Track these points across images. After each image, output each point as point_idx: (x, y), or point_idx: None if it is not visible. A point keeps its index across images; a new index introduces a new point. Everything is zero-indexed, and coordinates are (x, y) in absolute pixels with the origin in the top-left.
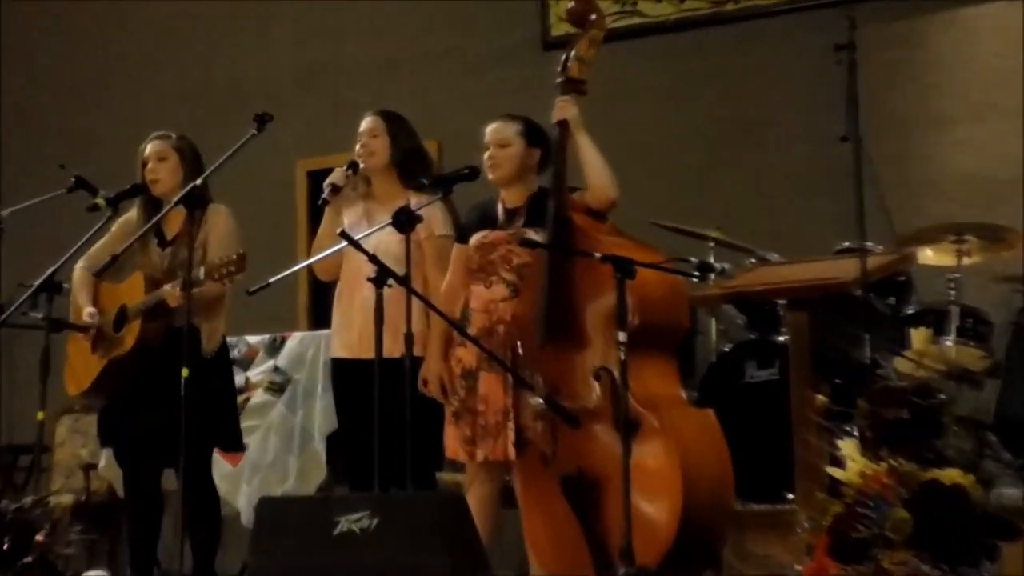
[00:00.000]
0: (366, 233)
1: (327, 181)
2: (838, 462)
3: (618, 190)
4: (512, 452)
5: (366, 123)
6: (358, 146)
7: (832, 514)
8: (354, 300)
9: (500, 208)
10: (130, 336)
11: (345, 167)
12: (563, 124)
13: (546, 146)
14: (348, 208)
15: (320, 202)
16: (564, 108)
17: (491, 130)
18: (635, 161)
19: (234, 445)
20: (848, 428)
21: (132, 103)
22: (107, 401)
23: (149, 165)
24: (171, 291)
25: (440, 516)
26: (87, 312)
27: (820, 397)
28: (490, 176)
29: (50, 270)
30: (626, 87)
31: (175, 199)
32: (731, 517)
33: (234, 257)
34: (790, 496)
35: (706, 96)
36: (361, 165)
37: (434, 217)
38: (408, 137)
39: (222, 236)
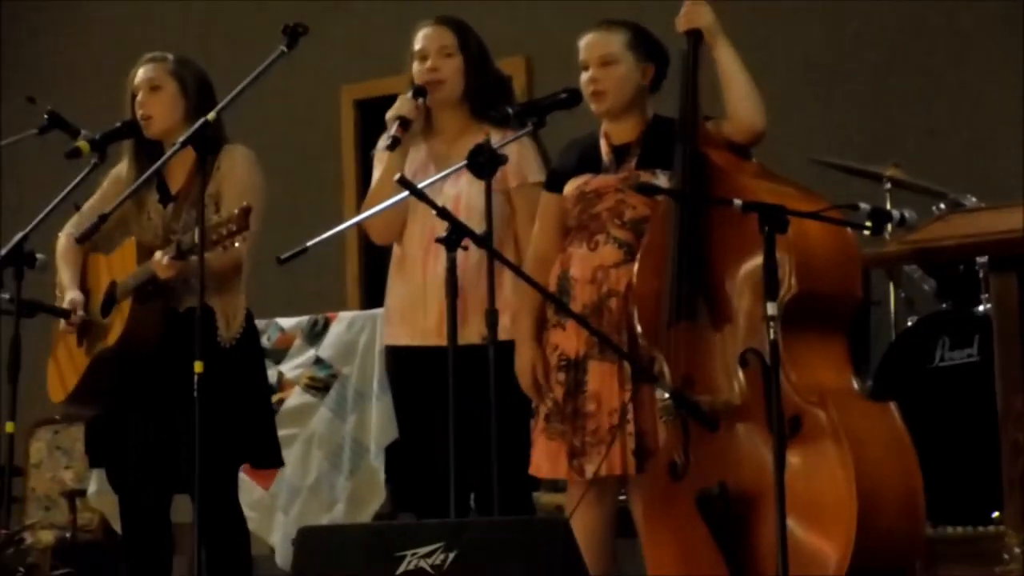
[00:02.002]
0: (433, 179)
1: (391, 113)
2: None
3: (766, 118)
4: (632, 464)
5: (430, 35)
6: (419, 66)
7: None
8: (428, 271)
9: (604, 145)
10: (117, 323)
11: (411, 94)
12: (695, 34)
13: (662, 60)
14: (410, 151)
15: (388, 144)
16: (697, 12)
17: (588, 43)
18: (789, 83)
19: (268, 460)
20: None
21: (123, 22)
22: (97, 410)
23: (139, 97)
24: (159, 260)
25: (536, 548)
26: (69, 298)
27: None
28: (593, 106)
29: (17, 236)
30: None
31: (179, 140)
32: (921, 545)
33: (236, 212)
34: (996, 515)
35: None
36: (430, 94)
37: (526, 158)
38: (488, 62)
39: (238, 186)
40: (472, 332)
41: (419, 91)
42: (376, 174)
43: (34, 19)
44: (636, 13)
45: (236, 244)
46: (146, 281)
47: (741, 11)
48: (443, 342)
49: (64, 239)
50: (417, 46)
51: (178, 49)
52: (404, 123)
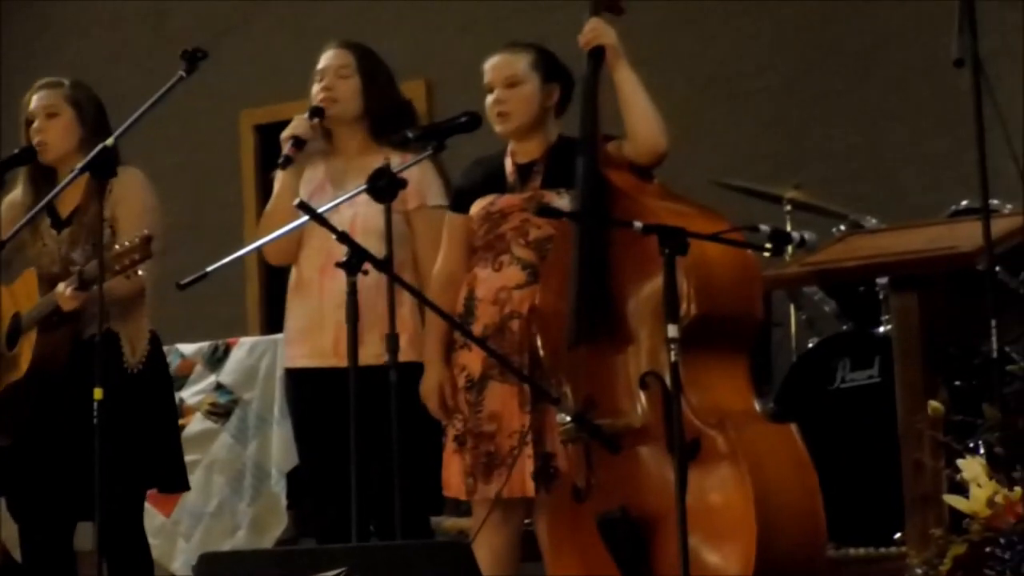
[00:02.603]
0: (333, 203)
1: (286, 133)
2: (960, 488)
3: (668, 139)
4: (531, 487)
5: (330, 58)
6: (317, 87)
7: (953, 556)
8: (324, 291)
9: (509, 164)
10: (25, 354)
11: (308, 114)
12: (597, 52)
13: (566, 80)
14: (306, 171)
15: (280, 162)
16: (598, 31)
17: (493, 66)
18: (692, 102)
19: (175, 484)
20: (972, 444)
21: (28, 50)
22: (4, 441)
23: (35, 123)
24: (62, 292)
25: (439, 573)
26: None
27: (935, 404)
28: (498, 127)
29: None
30: (679, 5)
31: (77, 167)
32: (823, 565)
33: (137, 241)
34: (898, 536)
35: (785, 15)
36: (326, 114)
37: (426, 181)
38: (388, 83)
39: (134, 209)
40: (369, 353)
41: (315, 111)
42: (275, 194)
43: None
44: (539, 36)
45: (140, 272)
46: (50, 312)
47: (644, 29)
48: (340, 363)
49: None
50: (318, 67)
51: (80, 73)
52: (297, 143)
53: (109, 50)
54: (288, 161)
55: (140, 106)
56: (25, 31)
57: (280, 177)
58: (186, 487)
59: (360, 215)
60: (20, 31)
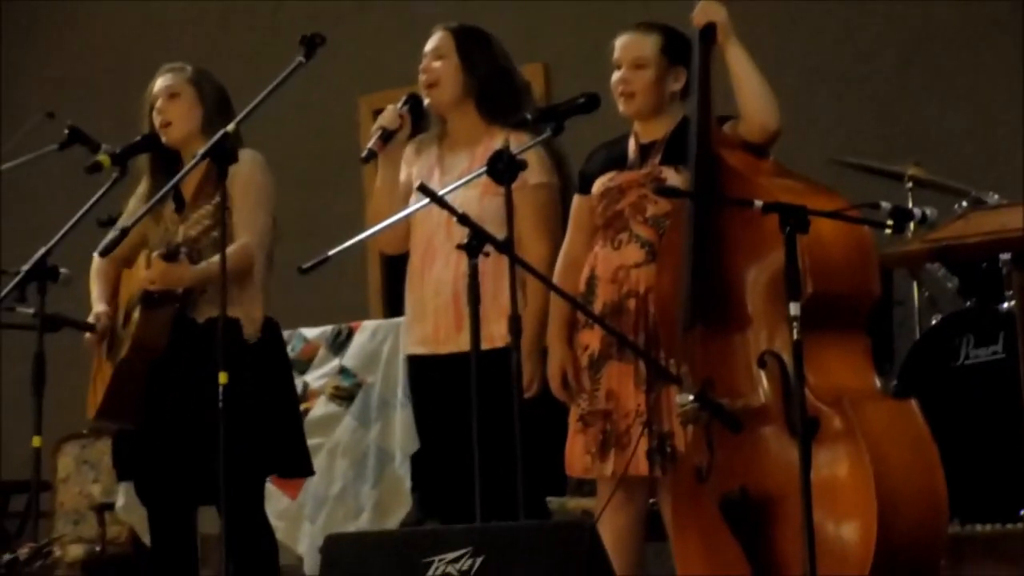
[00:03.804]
0: (448, 189)
1: (375, 125)
2: None
3: (780, 116)
4: (644, 466)
5: (430, 41)
6: (420, 73)
7: None
8: (425, 279)
9: (632, 144)
10: (130, 332)
11: (400, 103)
12: (708, 30)
13: (694, 64)
14: (418, 157)
15: (363, 156)
16: (712, 8)
17: (623, 44)
18: (806, 81)
19: (297, 469)
20: None
21: (135, 35)
22: (126, 424)
23: (158, 104)
24: (155, 262)
25: (564, 552)
26: (95, 311)
27: None
28: (622, 108)
29: (41, 251)
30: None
31: (199, 153)
32: (945, 543)
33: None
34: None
35: None
36: (425, 101)
37: (528, 162)
38: (489, 58)
39: (248, 192)
40: (487, 336)
41: (411, 99)
42: (377, 185)
43: (40, 33)
44: (654, 16)
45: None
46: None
47: (758, 12)
48: (440, 349)
49: (94, 259)
50: (423, 51)
51: (192, 61)
52: (385, 135)
53: (224, 45)
54: (372, 155)
55: (254, 98)
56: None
57: (380, 166)
58: (310, 472)
59: (459, 200)
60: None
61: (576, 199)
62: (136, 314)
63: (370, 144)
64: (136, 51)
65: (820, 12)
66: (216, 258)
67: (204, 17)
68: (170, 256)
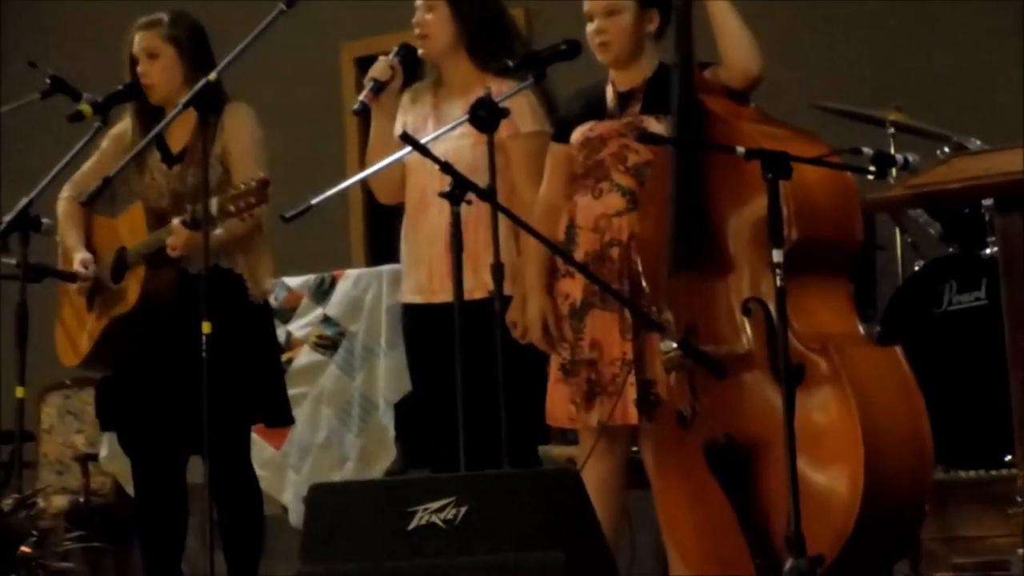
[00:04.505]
0: (431, 136)
1: (368, 76)
2: None
3: (762, 62)
4: (633, 414)
5: None
6: (414, 26)
7: None
8: (420, 227)
9: (610, 92)
10: (133, 288)
11: (392, 54)
12: None
13: (666, 7)
14: (413, 106)
15: (356, 108)
16: None
17: None
18: (786, 25)
19: (280, 418)
20: None
21: None
22: (110, 370)
23: (139, 66)
24: (179, 229)
25: (548, 500)
26: (79, 258)
27: None
28: (599, 56)
29: (23, 201)
30: None
31: (181, 102)
32: (930, 489)
33: (253, 184)
34: (1008, 459)
35: None
36: (419, 51)
37: (519, 109)
38: (479, 4)
39: (247, 147)
40: (466, 287)
41: (402, 50)
42: (371, 134)
43: None
44: None
45: (253, 216)
46: (160, 248)
47: None
48: (435, 298)
49: (65, 202)
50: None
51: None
52: (377, 87)
53: None
54: (364, 107)
55: (239, 40)
56: None
57: (373, 116)
58: (290, 421)
59: (451, 148)
60: None
61: (552, 146)
62: (140, 271)
63: (362, 96)
64: None
65: None
66: (233, 223)
67: None
68: (194, 224)
